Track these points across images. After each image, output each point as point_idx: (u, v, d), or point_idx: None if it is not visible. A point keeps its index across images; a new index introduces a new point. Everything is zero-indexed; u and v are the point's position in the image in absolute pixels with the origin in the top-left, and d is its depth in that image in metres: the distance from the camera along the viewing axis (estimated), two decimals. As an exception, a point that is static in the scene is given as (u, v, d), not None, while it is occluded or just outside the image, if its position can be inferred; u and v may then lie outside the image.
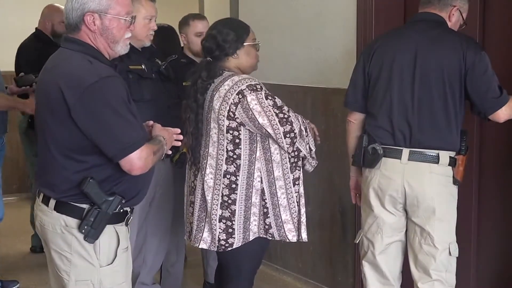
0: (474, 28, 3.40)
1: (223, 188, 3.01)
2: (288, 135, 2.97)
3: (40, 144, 2.52)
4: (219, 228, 3.03)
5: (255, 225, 3.07)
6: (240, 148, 3.00)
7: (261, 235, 3.10)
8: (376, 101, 3.10)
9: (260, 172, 3.03)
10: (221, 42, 3.05)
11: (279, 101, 3.00)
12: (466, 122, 3.10)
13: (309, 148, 3.09)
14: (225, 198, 3.02)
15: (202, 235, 3.09)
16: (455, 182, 3.03)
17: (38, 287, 4.40)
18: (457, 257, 3.06)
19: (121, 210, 2.47)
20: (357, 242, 3.30)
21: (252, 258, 3.19)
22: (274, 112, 2.95)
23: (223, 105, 2.96)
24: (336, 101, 3.94)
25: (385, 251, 3.15)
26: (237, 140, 2.99)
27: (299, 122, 3.02)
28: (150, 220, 3.81)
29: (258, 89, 2.96)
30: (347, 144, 3.29)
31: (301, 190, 3.11)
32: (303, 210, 3.11)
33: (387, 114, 3.05)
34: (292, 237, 3.10)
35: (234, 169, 3.00)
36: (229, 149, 3.00)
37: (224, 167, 3.01)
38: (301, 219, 3.11)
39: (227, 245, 3.05)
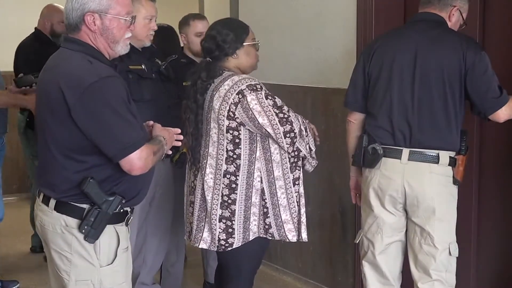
0: (474, 28, 3.40)
1: (223, 188, 3.01)
2: (288, 135, 2.97)
3: (40, 144, 2.53)
4: (219, 228, 3.03)
5: (255, 225, 3.07)
6: (240, 148, 3.00)
7: (261, 235, 3.10)
8: (376, 101, 3.10)
9: (260, 172, 3.03)
10: (220, 43, 3.05)
11: (279, 101, 3.00)
12: (466, 122, 3.11)
13: (309, 148, 3.09)
14: (225, 198, 3.02)
15: (202, 235, 3.10)
16: (455, 182, 3.03)
17: (38, 287, 4.40)
18: (457, 257, 3.06)
19: (121, 210, 2.48)
20: (357, 242, 3.30)
21: (252, 258, 3.19)
22: (274, 112, 2.95)
23: (223, 105, 2.96)
24: (336, 101, 3.94)
25: (385, 251, 3.15)
26: (237, 140, 2.99)
27: (299, 122, 3.02)
28: (150, 220, 3.81)
29: (258, 89, 2.96)
30: (347, 144, 3.30)
31: (301, 190, 3.11)
32: (303, 210, 3.11)
33: (387, 114, 3.05)
34: (292, 237, 3.10)
35: (234, 169, 3.00)
36: (229, 149, 3.00)
37: (224, 167, 3.01)
38: (301, 219, 3.11)
39: (227, 245, 3.05)
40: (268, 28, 4.46)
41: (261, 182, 3.04)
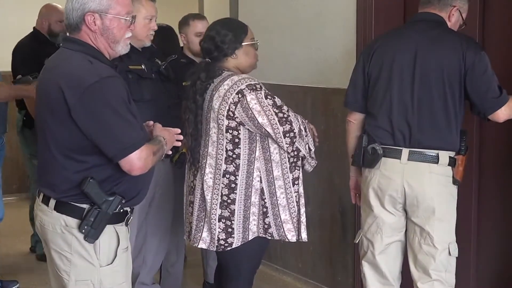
0: (474, 28, 3.40)
1: (222, 187, 3.02)
2: (287, 135, 2.97)
3: (40, 144, 2.53)
4: (219, 227, 3.03)
5: (254, 224, 3.07)
6: (240, 148, 3.00)
7: (261, 235, 3.10)
8: (376, 101, 3.10)
9: (260, 171, 3.03)
10: (219, 43, 3.06)
11: (278, 101, 3.00)
12: (466, 122, 3.11)
13: (308, 148, 3.09)
14: (225, 198, 3.02)
15: (201, 234, 3.10)
16: (455, 182, 3.03)
17: (38, 287, 4.40)
18: (457, 257, 3.06)
19: (121, 210, 2.47)
20: (357, 242, 3.30)
21: (251, 258, 3.19)
22: (274, 111, 2.95)
23: (222, 104, 2.96)
24: (336, 101, 3.94)
25: (384, 251, 3.15)
26: (237, 140, 2.99)
27: (298, 122, 3.02)
28: (150, 220, 3.81)
29: (258, 89, 2.96)
30: (347, 144, 3.30)
31: (301, 190, 3.11)
32: (302, 210, 3.11)
33: (387, 114, 3.05)
34: (291, 237, 3.10)
35: (234, 168, 3.00)
36: (228, 148, 3.00)
37: (224, 166, 3.01)
38: (301, 219, 3.11)
39: (226, 244, 3.05)
40: (268, 28, 4.46)
41: (261, 182, 3.04)
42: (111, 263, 2.48)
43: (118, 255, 2.49)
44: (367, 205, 3.16)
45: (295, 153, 3.04)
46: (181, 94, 3.41)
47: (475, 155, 3.50)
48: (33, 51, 4.71)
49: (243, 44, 3.09)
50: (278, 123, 2.95)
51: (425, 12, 3.08)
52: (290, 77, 4.39)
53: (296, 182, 3.09)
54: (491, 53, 3.06)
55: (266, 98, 2.96)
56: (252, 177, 3.02)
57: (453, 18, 3.07)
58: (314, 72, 4.21)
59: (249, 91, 2.94)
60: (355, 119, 3.22)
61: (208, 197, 3.04)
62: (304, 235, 3.12)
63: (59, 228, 2.45)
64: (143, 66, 3.54)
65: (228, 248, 3.06)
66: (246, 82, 2.96)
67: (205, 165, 3.04)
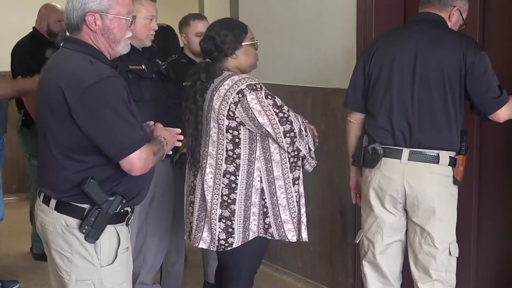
0: (474, 28, 3.40)
1: (222, 187, 3.02)
2: (288, 135, 2.97)
3: (40, 144, 2.53)
4: (219, 227, 3.04)
5: (254, 224, 3.07)
6: (240, 148, 3.00)
7: (261, 235, 3.10)
8: (376, 101, 3.10)
9: (260, 171, 3.03)
10: (219, 44, 3.06)
11: (279, 101, 3.00)
12: (466, 122, 3.11)
13: (308, 148, 3.09)
14: (225, 198, 3.02)
15: (202, 234, 3.10)
16: (455, 182, 3.03)
17: (38, 287, 4.40)
18: (457, 257, 3.07)
19: (122, 210, 2.48)
20: (357, 242, 3.30)
21: (252, 258, 3.19)
22: (274, 111, 2.95)
23: (223, 104, 2.96)
24: (336, 101, 3.94)
25: (385, 251, 3.16)
26: (237, 140, 3.00)
27: (298, 121, 3.02)
28: (150, 220, 3.81)
29: (258, 89, 2.96)
30: (347, 144, 3.30)
31: (301, 190, 3.11)
32: (303, 210, 3.11)
33: (387, 114, 3.05)
34: (291, 236, 3.10)
35: (234, 168, 3.01)
36: (228, 148, 3.00)
37: (224, 166, 3.01)
38: (301, 219, 3.11)
39: (226, 244, 3.05)
40: (268, 28, 4.46)
41: (261, 182, 3.04)
42: (111, 263, 2.48)
43: (119, 255, 2.49)
44: (367, 205, 3.16)
45: (296, 153, 3.04)
46: (181, 94, 3.41)
47: (475, 155, 3.50)
48: (32, 51, 4.70)
49: (243, 44, 3.09)
50: (278, 123, 2.95)
51: (425, 12, 3.08)
52: (290, 77, 4.39)
53: (296, 182, 3.09)
54: (491, 53, 3.06)
55: (266, 98, 2.96)
56: (253, 177, 3.02)
57: (453, 18, 3.07)
58: (314, 72, 4.21)
59: (249, 91, 2.94)
60: (355, 119, 3.23)
61: (208, 197, 3.04)
62: (304, 235, 3.12)
63: (60, 228, 2.45)
64: (143, 66, 3.54)
65: (229, 248, 3.06)
66: (246, 82, 2.96)
67: (206, 165, 3.05)
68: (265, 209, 3.06)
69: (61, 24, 4.83)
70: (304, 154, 3.07)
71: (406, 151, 3.01)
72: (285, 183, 3.06)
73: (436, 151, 2.98)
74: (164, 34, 4.21)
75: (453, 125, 2.98)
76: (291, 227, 3.09)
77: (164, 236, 3.90)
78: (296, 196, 3.09)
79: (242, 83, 2.95)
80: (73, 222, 2.43)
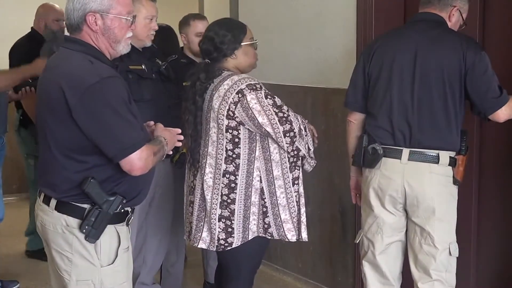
0: (474, 28, 3.40)
1: (222, 187, 3.02)
2: (287, 134, 2.97)
3: (40, 144, 2.53)
4: (218, 227, 3.04)
5: (254, 224, 3.07)
6: (240, 148, 3.00)
7: (260, 234, 3.10)
8: (376, 101, 3.10)
9: (259, 171, 3.03)
10: (218, 44, 3.05)
11: (278, 101, 3.00)
12: (466, 122, 3.11)
13: (308, 147, 3.09)
14: (225, 198, 3.02)
15: (201, 234, 3.10)
16: (455, 182, 3.03)
17: (38, 287, 4.40)
18: (457, 257, 3.07)
19: (122, 210, 2.48)
20: (357, 242, 3.30)
21: (251, 258, 3.19)
22: (274, 111, 2.95)
23: (222, 104, 2.96)
24: (336, 101, 3.94)
25: (385, 251, 3.16)
26: (237, 140, 3.00)
27: (298, 121, 3.02)
28: (150, 220, 3.82)
29: (258, 88, 2.96)
30: (347, 144, 3.30)
31: (301, 189, 3.11)
32: (303, 210, 3.11)
33: (387, 114, 3.05)
34: (291, 236, 3.10)
35: (234, 168, 3.01)
36: (228, 148, 3.00)
37: (224, 166, 3.01)
38: (301, 219, 3.11)
39: (226, 244, 3.05)
40: (268, 28, 4.46)
41: (261, 182, 3.04)
42: (112, 263, 2.48)
43: (119, 255, 2.49)
44: (367, 205, 3.16)
45: (295, 152, 3.04)
46: (181, 94, 3.41)
47: (475, 155, 3.50)
48: (30, 51, 4.70)
49: (242, 44, 3.09)
50: (278, 123, 2.95)
51: (425, 12, 3.08)
52: (290, 77, 4.40)
53: (296, 182, 3.09)
54: (491, 53, 3.06)
55: (266, 97, 2.96)
56: (252, 177, 3.02)
57: (454, 18, 3.07)
58: (314, 72, 4.21)
59: (249, 90, 2.94)
60: (355, 119, 3.23)
61: (208, 197, 3.04)
62: (304, 235, 3.12)
63: (60, 228, 2.45)
64: (143, 66, 3.55)
65: (228, 248, 3.06)
66: (246, 81, 2.96)
67: (205, 165, 3.05)
68: (264, 209, 3.06)
69: (59, 23, 4.83)
70: (303, 154, 3.07)
71: (406, 151, 3.01)
72: (284, 183, 3.06)
73: (436, 151, 2.99)
74: (164, 34, 4.21)
75: (453, 125, 2.98)
76: (291, 227, 3.09)
77: (164, 236, 3.90)
78: (295, 196, 3.09)
79: (242, 83, 2.96)
80: (74, 222, 2.43)
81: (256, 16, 4.56)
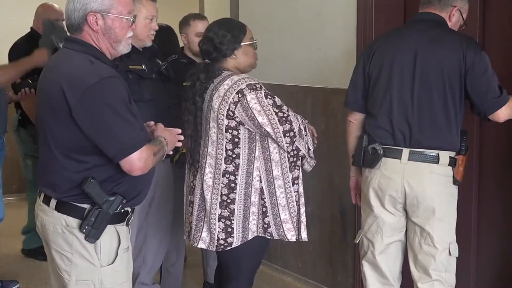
0: (474, 28, 3.40)
1: (222, 187, 3.02)
2: (287, 134, 2.97)
3: (40, 143, 2.53)
4: (218, 227, 3.04)
5: (254, 224, 3.07)
6: (239, 147, 3.00)
7: (260, 234, 3.10)
8: (376, 101, 3.10)
9: (259, 171, 3.03)
10: (218, 45, 3.05)
11: (278, 100, 3.00)
12: (466, 122, 3.11)
13: (308, 147, 3.09)
14: (224, 198, 3.02)
15: (201, 234, 3.10)
16: (455, 182, 3.03)
17: (38, 287, 4.40)
18: (457, 257, 3.07)
19: (122, 210, 2.48)
20: (357, 242, 3.30)
21: (251, 258, 3.19)
22: (274, 111, 2.95)
23: (222, 104, 2.96)
24: (336, 101, 3.94)
25: (385, 251, 3.16)
26: (236, 140, 3.00)
27: (298, 121, 3.03)
28: (150, 220, 3.82)
29: (258, 88, 2.96)
30: (347, 144, 3.30)
31: (301, 189, 3.11)
32: (302, 210, 3.11)
33: (387, 114, 3.05)
34: (291, 236, 3.10)
35: (233, 168, 3.01)
36: (228, 148, 3.00)
37: (223, 166, 3.01)
38: (301, 219, 3.11)
39: (226, 244, 3.05)
40: (268, 28, 4.46)
41: (260, 182, 3.04)
42: (112, 263, 2.48)
43: (119, 255, 2.49)
44: (367, 205, 3.16)
45: (295, 152, 3.04)
46: (181, 94, 3.41)
47: (475, 155, 3.50)
48: (30, 50, 4.69)
49: (242, 44, 3.09)
50: (278, 123, 2.95)
51: (426, 12, 3.08)
52: (290, 77, 4.40)
53: (296, 182, 3.09)
54: (491, 53, 3.06)
55: (266, 97, 2.96)
56: (252, 177, 3.02)
57: (454, 18, 3.07)
58: (314, 72, 4.21)
59: (249, 90, 2.94)
60: (355, 119, 3.23)
61: (207, 197, 3.04)
62: (304, 235, 3.12)
63: (60, 228, 2.45)
64: (143, 66, 3.55)
65: (228, 248, 3.06)
66: (246, 81, 2.96)
67: (205, 164, 3.05)
68: (264, 209, 3.06)
69: (58, 23, 4.82)
70: (303, 154, 3.07)
71: (406, 151, 3.01)
72: (284, 182, 3.06)
73: (436, 151, 2.99)
74: (164, 34, 4.21)
75: (453, 125, 2.98)
76: (291, 226, 3.09)
77: (164, 236, 3.90)
78: (295, 195, 3.09)
79: (241, 83, 2.96)
80: (74, 222, 2.44)
81: (256, 16, 4.56)
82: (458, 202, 3.08)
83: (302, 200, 3.12)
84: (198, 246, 3.13)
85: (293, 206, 3.09)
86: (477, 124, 3.48)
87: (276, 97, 3.01)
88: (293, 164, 3.07)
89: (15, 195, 6.40)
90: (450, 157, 3.00)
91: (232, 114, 2.95)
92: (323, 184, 4.19)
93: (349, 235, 4.06)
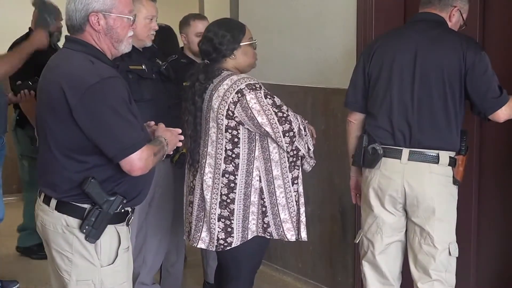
0: (474, 28, 3.40)
1: (221, 187, 3.02)
2: (287, 134, 2.97)
3: (40, 143, 2.53)
4: (218, 227, 3.04)
5: (253, 224, 3.07)
6: (239, 147, 3.00)
7: (260, 234, 3.10)
8: (376, 101, 3.10)
9: (259, 171, 3.03)
10: (217, 45, 3.05)
11: (278, 100, 3.00)
12: (466, 122, 3.11)
13: (307, 147, 3.09)
14: (224, 197, 3.02)
15: (201, 234, 3.10)
16: (455, 182, 3.03)
17: (38, 287, 4.40)
18: (457, 257, 3.07)
19: (122, 210, 2.48)
20: (357, 242, 3.30)
21: (251, 257, 3.19)
22: (273, 111, 2.95)
23: (222, 104, 2.96)
24: (336, 101, 3.94)
25: (385, 251, 3.16)
26: (236, 139, 3.00)
27: (298, 121, 3.03)
28: (150, 220, 3.81)
29: (257, 88, 2.96)
30: (347, 144, 3.30)
31: (300, 189, 3.11)
32: (302, 210, 3.11)
33: (387, 114, 3.05)
34: (290, 236, 3.10)
35: (233, 168, 3.01)
36: (228, 148, 3.00)
37: (223, 166, 3.01)
38: (301, 219, 3.11)
39: (225, 244, 3.05)
40: (268, 28, 4.46)
41: (260, 181, 3.04)
42: (112, 263, 2.48)
43: (119, 255, 2.49)
44: (367, 205, 3.16)
45: (295, 152, 3.04)
46: (181, 94, 3.41)
47: (475, 155, 3.50)
48: None
49: (241, 44, 3.09)
50: (277, 123, 2.95)
51: (426, 12, 3.08)
52: (290, 77, 4.40)
53: (295, 182, 3.09)
54: (491, 53, 3.06)
55: (265, 97, 2.96)
56: (252, 177, 3.02)
57: (454, 18, 3.07)
58: (314, 72, 4.21)
59: (248, 90, 2.94)
60: (355, 119, 3.23)
61: (207, 197, 3.04)
62: (304, 235, 3.12)
63: (60, 228, 2.46)
64: (143, 66, 3.55)
65: (228, 248, 3.06)
66: (245, 81, 2.96)
67: (205, 164, 3.05)
68: (264, 209, 3.06)
69: (57, 24, 4.82)
70: (303, 154, 3.07)
71: (406, 151, 3.01)
72: (284, 182, 3.06)
73: (436, 151, 2.99)
74: (164, 34, 4.21)
75: (453, 125, 2.98)
76: (290, 226, 3.09)
77: (164, 236, 3.90)
78: (295, 195, 3.09)
79: (241, 83, 2.96)
80: (74, 222, 2.44)
81: (256, 16, 4.56)
82: (458, 202, 3.08)
83: (302, 200, 3.12)
84: (198, 246, 3.13)
85: (293, 206, 3.09)
86: (477, 124, 3.48)
87: (275, 97, 3.01)
88: (292, 164, 3.07)
89: (15, 195, 6.39)
90: (450, 157, 3.00)
91: (231, 114, 2.95)
92: (323, 184, 4.19)
93: (349, 235, 4.06)
